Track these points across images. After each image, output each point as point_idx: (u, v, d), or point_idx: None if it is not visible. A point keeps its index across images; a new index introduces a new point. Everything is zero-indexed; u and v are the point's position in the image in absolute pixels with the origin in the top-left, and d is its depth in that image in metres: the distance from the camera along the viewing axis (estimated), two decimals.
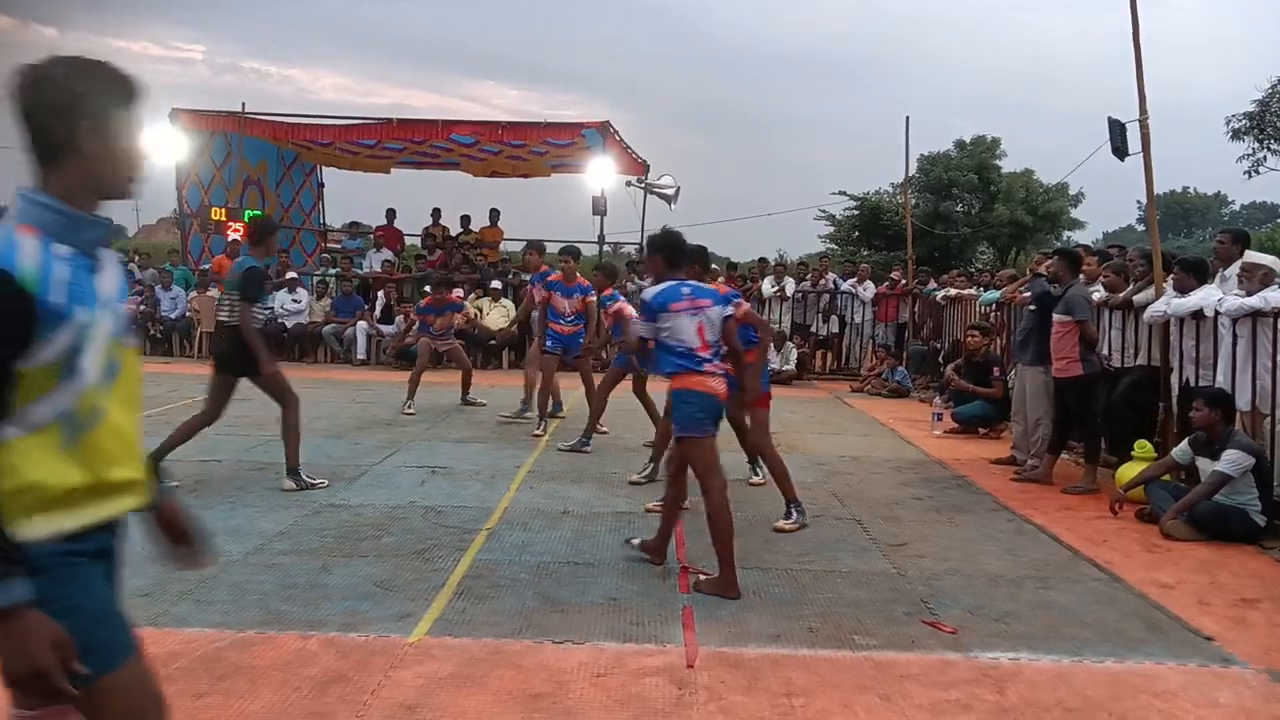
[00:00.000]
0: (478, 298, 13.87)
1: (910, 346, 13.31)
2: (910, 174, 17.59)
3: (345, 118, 15.04)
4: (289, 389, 5.85)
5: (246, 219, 13.17)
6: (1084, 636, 3.84)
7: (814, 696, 3.21)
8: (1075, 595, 4.37)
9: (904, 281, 14.19)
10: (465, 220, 16.66)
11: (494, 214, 16.66)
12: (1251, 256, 6.19)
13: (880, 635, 3.78)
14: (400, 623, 3.73)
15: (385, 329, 13.68)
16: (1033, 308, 7.16)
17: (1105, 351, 7.12)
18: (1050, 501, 6.26)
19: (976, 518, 5.83)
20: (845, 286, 14.25)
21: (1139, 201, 38.06)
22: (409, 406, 9.04)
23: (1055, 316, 6.66)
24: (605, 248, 16.20)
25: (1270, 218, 49.73)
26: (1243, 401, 5.81)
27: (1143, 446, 6.30)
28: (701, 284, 4.67)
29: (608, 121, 14.33)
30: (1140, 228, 45.50)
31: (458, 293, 12.49)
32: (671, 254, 4.63)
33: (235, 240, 13.39)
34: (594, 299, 8.09)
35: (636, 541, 4.77)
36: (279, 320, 13.65)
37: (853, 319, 14.18)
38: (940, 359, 11.96)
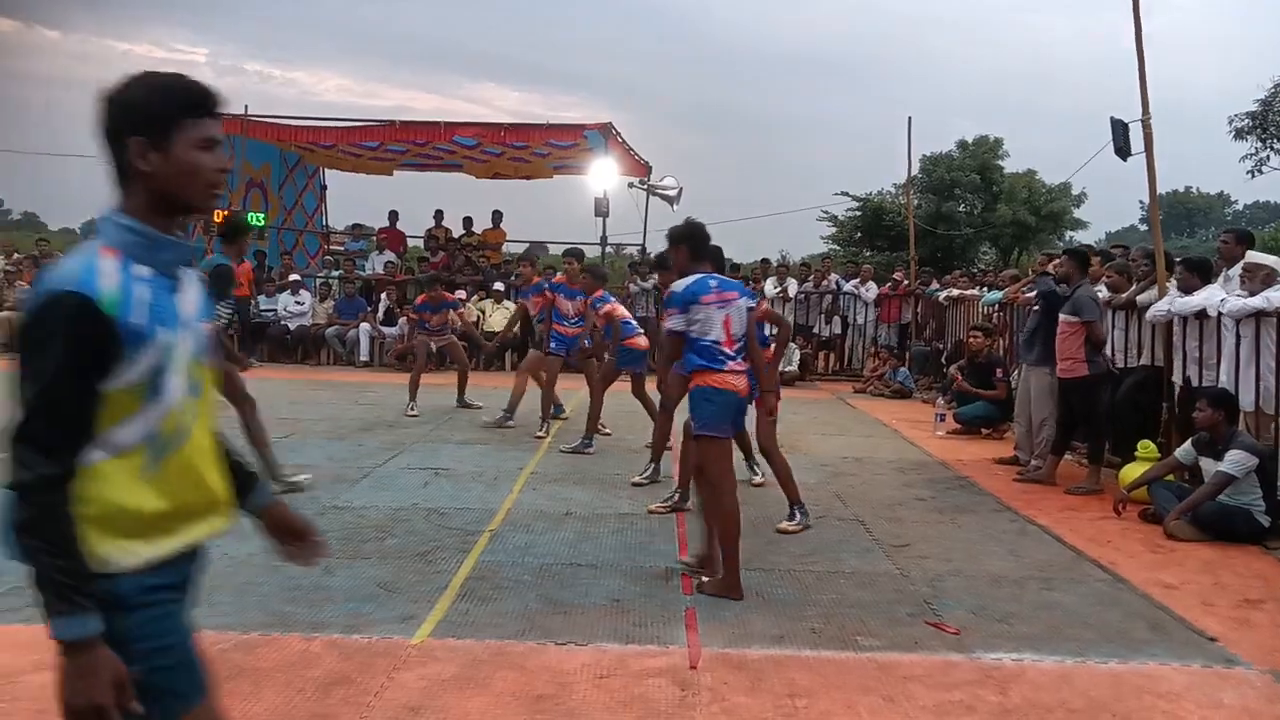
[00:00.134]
0: (480, 299, 13.88)
1: (913, 347, 13.30)
2: (912, 174, 17.58)
3: (348, 120, 15.07)
4: (245, 391, 5.73)
5: (250, 220, 13.17)
6: (1087, 637, 3.84)
7: (817, 697, 3.20)
8: (1078, 596, 4.37)
9: (906, 282, 14.18)
10: (468, 222, 16.68)
11: (497, 215, 16.68)
12: (1253, 257, 6.18)
13: (883, 636, 3.77)
14: (403, 624, 3.73)
15: (387, 331, 13.70)
16: (1037, 307, 7.15)
17: (1108, 352, 7.11)
18: (1053, 502, 6.25)
19: (979, 518, 5.82)
20: (848, 287, 14.25)
21: (1141, 201, 38.09)
22: (411, 408, 9.05)
23: (1062, 316, 6.65)
24: (608, 249, 16.22)
25: (1273, 217, 49.69)
26: (1246, 402, 5.80)
27: (1146, 447, 6.29)
28: (726, 277, 4.63)
29: (610, 123, 14.33)
30: (1143, 228, 45.43)
31: (460, 294, 12.50)
32: (696, 245, 4.51)
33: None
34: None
35: (689, 560, 4.59)
36: (282, 322, 13.68)
37: (855, 320, 14.18)
38: (943, 360, 11.95)
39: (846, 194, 25.10)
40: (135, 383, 1.53)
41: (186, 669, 1.62)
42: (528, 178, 17.79)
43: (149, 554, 1.55)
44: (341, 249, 17.51)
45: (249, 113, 14.60)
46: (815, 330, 14.10)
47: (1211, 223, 52.95)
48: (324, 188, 18.23)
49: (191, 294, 1.67)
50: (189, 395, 1.62)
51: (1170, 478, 5.88)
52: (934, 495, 6.44)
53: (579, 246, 9.57)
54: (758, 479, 6.24)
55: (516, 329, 11.48)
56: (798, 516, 5.33)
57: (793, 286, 14.01)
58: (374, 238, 17.06)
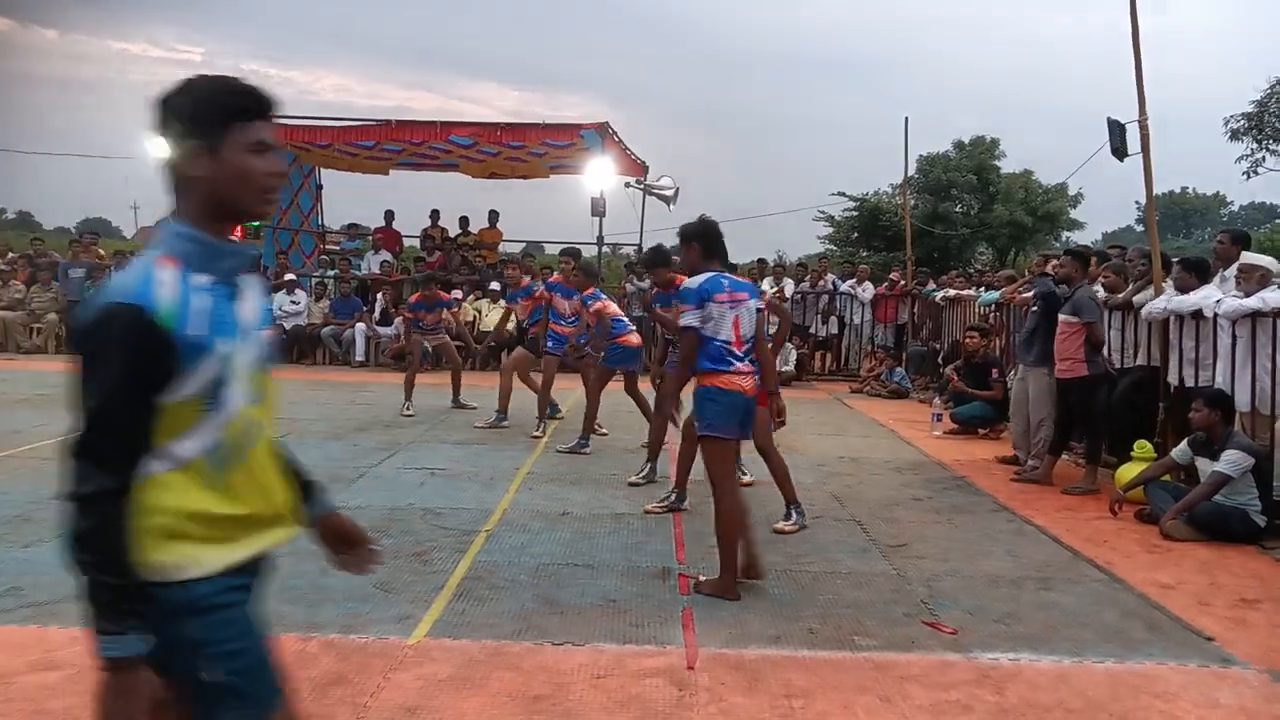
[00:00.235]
0: (477, 299, 13.87)
1: (909, 347, 13.31)
2: (909, 175, 17.60)
3: (344, 119, 15.04)
4: None
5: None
6: (1084, 637, 3.84)
7: (814, 698, 3.20)
8: (1075, 596, 4.37)
9: (903, 282, 14.20)
10: (464, 221, 16.66)
11: (493, 215, 16.67)
12: (1248, 258, 6.20)
13: (880, 636, 3.77)
14: (400, 625, 3.72)
15: (383, 331, 13.68)
16: (1036, 308, 7.16)
17: (1105, 352, 7.12)
18: (1050, 502, 6.26)
19: (976, 518, 5.83)
20: (844, 287, 14.26)
21: (1138, 202, 38.10)
22: (407, 408, 9.04)
23: (1061, 317, 6.65)
24: (604, 249, 16.20)
25: (1269, 218, 49.80)
26: (1241, 402, 5.81)
27: (1142, 447, 6.30)
28: (738, 278, 4.60)
29: (606, 122, 14.30)
30: (1139, 228, 45.56)
31: (456, 293, 12.48)
32: (708, 243, 4.47)
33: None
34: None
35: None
36: (278, 321, 13.65)
37: (852, 320, 14.20)
38: (939, 360, 11.96)
39: (843, 194, 25.19)
40: (195, 395, 1.50)
41: (261, 673, 1.62)
42: (524, 177, 17.75)
43: (219, 560, 1.54)
44: (337, 248, 17.46)
45: None
46: (812, 330, 14.09)
47: (1208, 223, 53.11)
48: (319, 187, 18.18)
49: (252, 300, 1.64)
50: (251, 404, 1.60)
51: (1167, 478, 5.89)
52: (931, 495, 6.44)
53: (575, 246, 9.57)
54: (747, 478, 6.23)
55: (510, 327, 11.48)
56: (794, 516, 5.33)
57: (789, 287, 14.02)
58: (370, 237, 17.03)
